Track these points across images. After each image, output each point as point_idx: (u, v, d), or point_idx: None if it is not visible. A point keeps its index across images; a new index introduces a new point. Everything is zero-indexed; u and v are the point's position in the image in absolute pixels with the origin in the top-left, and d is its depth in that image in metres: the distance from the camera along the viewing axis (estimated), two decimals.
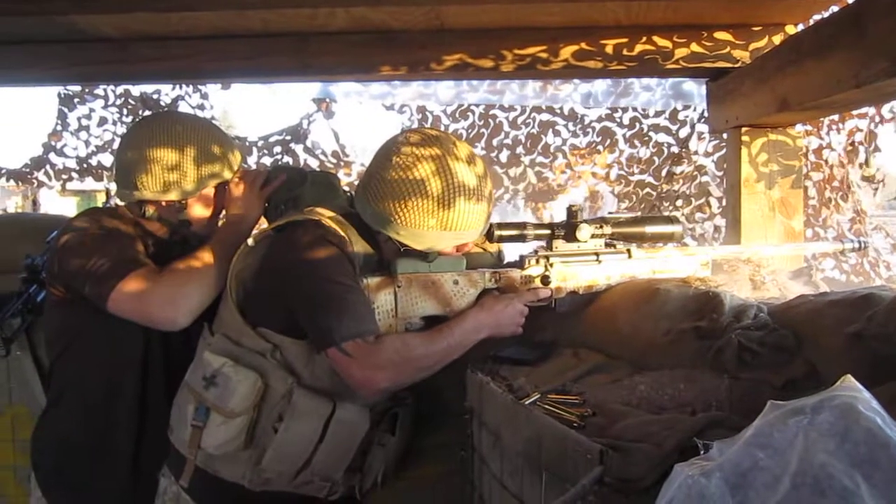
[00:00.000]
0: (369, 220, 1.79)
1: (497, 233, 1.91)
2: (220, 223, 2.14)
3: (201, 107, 3.96)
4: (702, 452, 0.94)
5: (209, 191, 2.08)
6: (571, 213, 1.96)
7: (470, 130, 3.89)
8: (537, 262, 1.96)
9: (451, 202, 1.72)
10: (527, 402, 1.49)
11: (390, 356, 1.67)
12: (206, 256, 1.95)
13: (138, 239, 2.03)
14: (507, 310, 1.87)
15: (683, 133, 3.81)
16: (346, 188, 2.22)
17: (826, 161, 3.39)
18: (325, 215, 1.81)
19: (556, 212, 3.95)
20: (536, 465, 1.38)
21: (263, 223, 2.13)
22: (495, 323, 1.85)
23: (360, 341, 1.64)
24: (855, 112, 3.13)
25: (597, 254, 1.98)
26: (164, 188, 1.99)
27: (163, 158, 1.97)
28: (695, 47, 2.80)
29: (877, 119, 3.18)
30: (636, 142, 3.87)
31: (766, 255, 2.20)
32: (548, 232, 1.96)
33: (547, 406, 1.47)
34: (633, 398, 1.49)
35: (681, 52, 2.80)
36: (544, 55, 2.83)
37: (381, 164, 1.78)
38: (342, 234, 1.78)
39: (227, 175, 2.08)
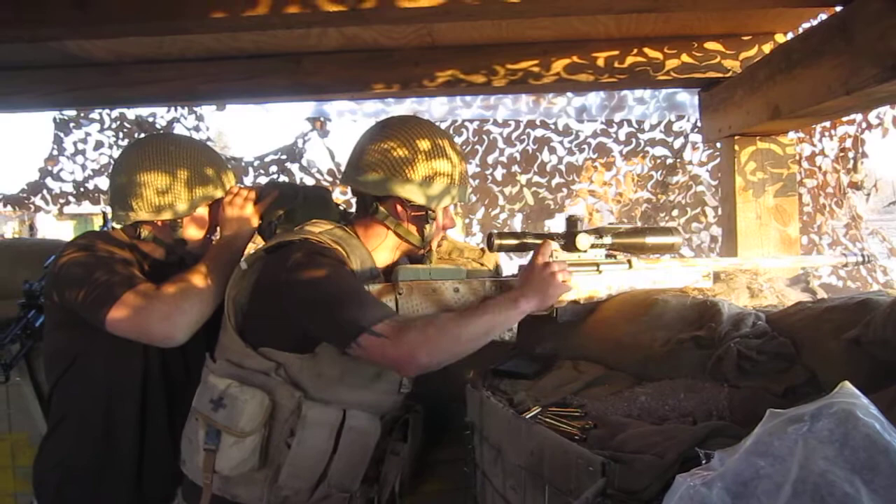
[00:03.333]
0: (370, 189, 1.83)
1: (497, 242, 1.91)
2: (214, 241, 2.15)
3: (197, 128, 3.97)
4: (703, 462, 0.94)
5: (203, 210, 2.08)
6: (571, 223, 1.97)
7: (464, 147, 3.90)
8: None
9: (442, 150, 1.84)
10: (528, 416, 1.49)
11: (424, 329, 1.64)
12: (201, 273, 1.95)
13: (135, 261, 2.03)
14: (550, 281, 1.81)
15: (678, 144, 3.82)
16: (342, 205, 2.23)
17: (819, 167, 3.40)
18: (315, 231, 1.82)
19: (554, 228, 3.94)
20: (539, 479, 1.38)
21: (258, 239, 2.14)
22: (541, 297, 1.80)
23: (389, 321, 1.63)
24: (844, 118, 3.15)
25: (597, 264, 1.98)
26: (157, 208, 1.99)
27: (156, 179, 1.98)
28: (685, 58, 2.82)
29: (863, 125, 3.20)
30: (633, 157, 3.87)
31: (766, 268, 2.20)
32: None
33: (548, 419, 1.48)
34: (634, 409, 1.50)
35: (672, 63, 2.82)
36: (536, 69, 2.85)
37: (370, 136, 1.87)
38: (335, 247, 1.79)
39: (220, 194, 2.09)
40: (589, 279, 1.98)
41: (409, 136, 1.83)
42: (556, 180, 3.90)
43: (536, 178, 3.91)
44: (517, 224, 3.94)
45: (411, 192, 1.82)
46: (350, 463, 1.76)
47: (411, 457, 1.92)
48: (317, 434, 1.72)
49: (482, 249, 1.96)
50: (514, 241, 1.93)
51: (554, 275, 1.81)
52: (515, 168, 3.91)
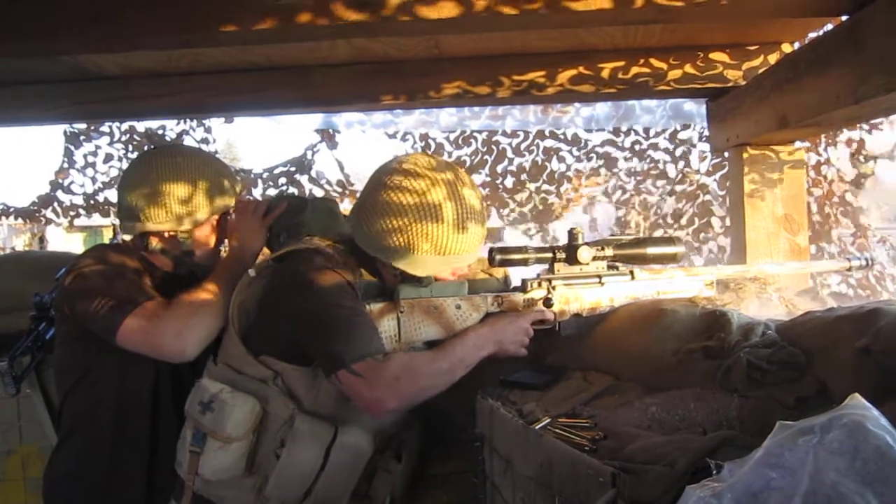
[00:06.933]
0: (365, 246, 1.81)
1: (497, 257, 1.91)
2: (223, 253, 2.16)
3: (205, 141, 3.98)
4: (714, 473, 0.94)
5: (212, 221, 2.10)
6: (572, 235, 1.96)
7: (473, 157, 3.90)
8: (539, 285, 1.96)
9: (444, 229, 1.74)
10: (537, 427, 1.49)
11: (398, 374, 1.67)
12: (211, 287, 1.97)
13: (144, 273, 2.05)
14: (510, 326, 1.87)
15: (685, 153, 3.82)
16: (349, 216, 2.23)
17: (825, 177, 3.39)
18: (325, 244, 1.83)
19: (560, 229, 3.94)
20: (549, 491, 1.38)
21: (266, 252, 2.15)
22: (498, 339, 1.85)
23: (370, 360, 1.65)
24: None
25: (599, 276, 1.98)
26: (165, 219, 2.01)
27: (164, 190, 2.00)
28: (688, 69, 2.81)
29: (865, 127, 3.20)
30: (638, 166, 3.87)
31: (771, 274, 2.19)
32: (549, 255, 1.96)
33: (558, 430, 1.47)
34: (644, 420, 1.49)
35: (674, 74, 2.82)
36: (541, 80, 2.85)
37: (375, 189, 1.80)
38: (342, 261, 1.79)
39: (229, 206, 2.10)
40: (592, 291, 1.98)
41: (413, 213, 1.74)
42: (565, 187, 3.91)
43: (546, 186, 3.91)
44: (528, 224, 3.96)
45: (404, 265, 1.79)
46: (338, 479, 1.76)
47: (404, 475, 1.92)
48: (306, 448, 1.72)
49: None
50: (514, 256, 1.93)
51: (524, 336, 1.89)
52: (524, 177, 3.91)
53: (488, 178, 3.88)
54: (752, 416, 1.40)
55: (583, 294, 1.98)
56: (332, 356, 1.66)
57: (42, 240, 4.44)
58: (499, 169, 3.91)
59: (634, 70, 2.82)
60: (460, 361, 1.78)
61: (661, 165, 3.84)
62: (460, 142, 3.90)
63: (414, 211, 1.73)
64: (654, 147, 3.85)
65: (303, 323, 1.72)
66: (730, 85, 2.82)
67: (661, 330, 1.78)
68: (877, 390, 1.13)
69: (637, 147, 3.86)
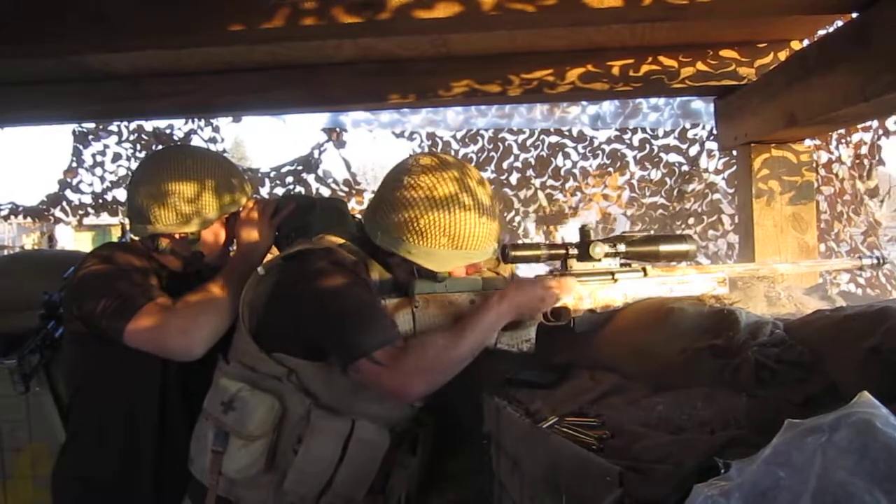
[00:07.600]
0: (381, 242, 1.81)
1: (512, 253, 1.91)
2: (231, 253, 2.16)
3: (213, 140, 3.99)
4: (721, 472, 0.94)
5: (220, 222, 2.10)
6: (585, 232, 1.96)
7: (480, 154, 3.91)
8: None
9: (461, 222, 1.74)
10: (544, 426, 1.49)
11: (419, 359, 1.68)
12: (218, 286, 1.97)
13: (152, 272, 2.05)
14: (522, 297, 1.86)
15: (693, 151, 3.81)
16: (357, 215, 2.24)
17: (836, 175, 3.37)
18: (336, 242, 1.83)
19: (567, 234, 3.94)
20: (556, 490, 1.38)
21: (275, 251, 2.15)
22: (518, 313, 1.85)
23: (390, 348, 1.66)
24: (860, 125, 3.12)
25: (612, 273, 1.98)
26: (175, 221, 2.01)
27: (174, 192, 2.00)
28: (700, 66, 2.81)
29: (880, 132, 3.17)
30: (647, 164, 3.86)
31: (783, 272, 2.18)
32: (562, 252, 1.96)
33: (565, 429, 1.47)
34: (652, 419, 1.49)
35: (687, 72, 2.81)
36: (551, 78, 2.85)
37: (392, 185, 1.80)
38: (354, 259, 1.80)
39: (238, 206, 2.10)
40: (604, 288, 1.98)
41: (431, 207, 1.74)
42: (570, 184, 3.91)
43: (551, 182, 3.92)
44: (531, 226, 3.95)
45: (421, 260, 1.79)
46: (356, 473, 1.77)
47: (419, 471, 1.93)
48: (324, 442, 1.73)
49: (497, 258, 1.96)
50: (528, 253, 1.93)
51: (541, 308, 1.88)
52: (530, 172, 3.92)
53: (494, 175, 3.90)
54: (760, 416, 1.39)
55: (596, 291, 1.97)
56: (351, 347, 1.67)
57: (51, 239, 4.46)
58: (504, 165, 3.92)
59: (645, 68, 2.81)
60: (483, 336, 1.79)
61: (670, 163, 3.83)
62: (467, 140, 3.92)
63: (431, 206, 1.74)
64: (665, 148, 3.84)
65: (316, 320, 1.73)
66: (743, 82, 2.81)
67: (669, 328, 1.77)
68: (886, 389, 1.12)
69: (647, 146, 3.85)
